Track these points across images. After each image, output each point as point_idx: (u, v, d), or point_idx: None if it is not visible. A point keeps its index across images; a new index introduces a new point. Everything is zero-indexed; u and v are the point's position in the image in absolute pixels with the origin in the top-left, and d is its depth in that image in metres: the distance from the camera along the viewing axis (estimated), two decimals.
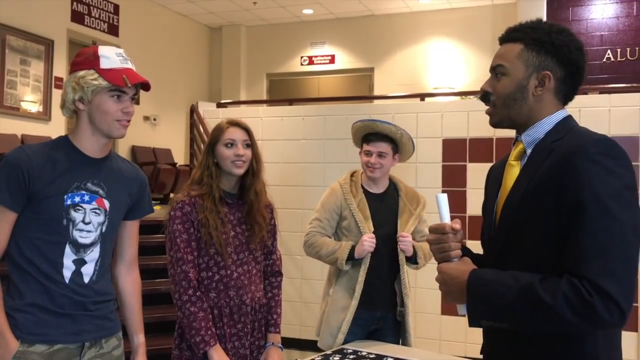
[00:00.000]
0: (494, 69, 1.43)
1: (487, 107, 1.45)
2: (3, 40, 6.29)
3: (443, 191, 4.70)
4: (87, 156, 1.79)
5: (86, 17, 7.46)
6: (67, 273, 1.74)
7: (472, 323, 1.29)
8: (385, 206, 2.81)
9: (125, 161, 1.96)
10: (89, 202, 1.77)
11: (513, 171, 1.40)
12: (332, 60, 9.53)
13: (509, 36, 1.43)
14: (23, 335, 1.68)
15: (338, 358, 2.34)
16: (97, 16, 7.65)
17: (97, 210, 1.79)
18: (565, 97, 1.41)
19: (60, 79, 7.05)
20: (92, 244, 1.78)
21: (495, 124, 1.45)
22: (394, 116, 4.84)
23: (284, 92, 9.53)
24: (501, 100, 1.40)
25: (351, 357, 2.36)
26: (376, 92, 8.95)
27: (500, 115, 1.42)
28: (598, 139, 1.27)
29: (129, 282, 1.98)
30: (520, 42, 1.39)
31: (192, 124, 6.28)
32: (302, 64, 9.68)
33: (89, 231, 1.77)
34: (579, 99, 1.42)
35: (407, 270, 2.79)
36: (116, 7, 7.95)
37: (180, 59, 9.14)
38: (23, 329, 1.69)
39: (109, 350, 1.84)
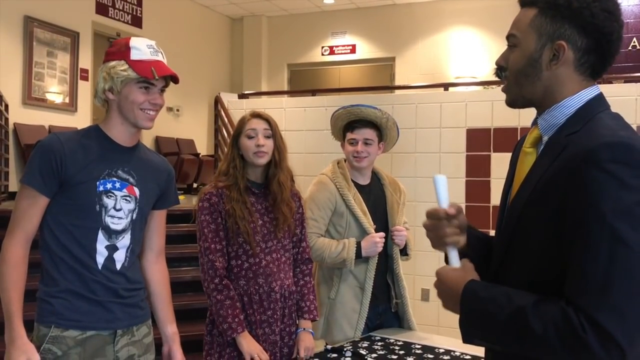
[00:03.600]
0: (507, 39, 1.22)
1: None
2: (31, 33, 6.39)
3: (467, 182, 4.71)
4: (118, 144, 1.84)
5: (110, 9, 7.55)
6: (100, 259, 1.78)
7: (466, 339, 1.16)
8: (373, 198, 2.70)
9: (153, 152, 2.01)
10: (120, 189, 1.81)
11: (527, 160, 1.22)
12: (353, 50, 9.51)
13: None
14: (58, 320, 1.72)
15: (366, 345, 2.38)
16: (121, 8, 7.72)
17: (128, 198, 1.83)
18: (592, 71, 1.17)
19: (86, 71, 7.15)
20: (123, 231, 1.82)
21: (509, 103, 1.26)
22: (417, 106, 4.85)
23: (305, 82, 9.54)
24: (513, 76, 1.20)
25: (379, 344, 2.39)
26: (397, 82, 8.93)
27: (513, 93, 1.23)
28: (612, 142, 1.03)
29: (158, 272, 2.00)
30: (534, 6, 1.18)
31: (216, 115, 6.34)
32: (322, 54, 9.68)
33: (120, 217, 1.81)
34: (603, 88, 1.24)
35: (400, 263, 2.70)
36: None
37: (202, 50, 9.20)
38: (58, 314, 1.72)
39: (140, 338, 1.87)
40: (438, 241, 1.26)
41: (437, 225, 1.24)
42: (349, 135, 2.64)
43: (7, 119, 5.94)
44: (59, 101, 6.79)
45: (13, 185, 6.11)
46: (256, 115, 2.28)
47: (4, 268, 1.69)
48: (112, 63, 1.77)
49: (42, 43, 6.56)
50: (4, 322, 1.66)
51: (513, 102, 1.25)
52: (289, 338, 2.28)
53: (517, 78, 1.20)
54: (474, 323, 1.13)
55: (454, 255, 1.24)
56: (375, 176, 2.79)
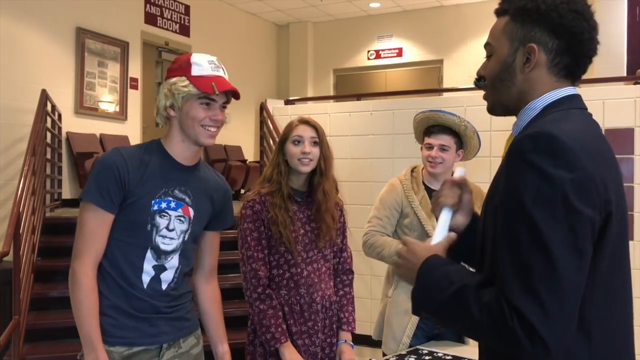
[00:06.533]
0: (485, 48, 1.25)
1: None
2: (82, 44, 6.56)
3: None
4: (178, 163, 1.80)
5: (159, 18, 7.68)
6: (146, 278, 1.75)
7: (415, 311, 1.18)
8: None
9: (213, 171, 1.97)
10: (174, 209, 1.77)
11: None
12: (399, 53, 9.39)
13: (499, 8, 1.24)
14: (104, 337, 1.70)
15: (414, 358, 2.28)
16: (169, 17, 7.85)
17: (182, 218, 1.79)
18: (567, 72, 1.17)
19: (135, 80, 7.29)
20: (173, 252, 1.79)
21: (488, 109, 1.27)
22: (466, 109, 4.70)
23: (351, 87, 9.47)
24: (490, 82, 1.22)
25: (427, 358, 2.29)
26: (445, 85, 8.76)
27: (491, 100, 1.24)
28: (534, 133, 1.04)
29: (209, 292, 1.98)
30: (506, 14, 1.20)
31: (261, 121, 6.35)
32: (368, 58, 9.60)
33: (171, 238, 1.77)
34: None
35: None
36: (187, 8, 8.14)
37: (249, 57, 9.26)
38: (104, 332, 1.70)
39: (187, 350, 1.85)
40: (434, 200, 1.32)
41: (441, 188, 1.31)
42: (426, 140, 2.63)
43: (60, 128, 6.11)
44: (110, 110, 6.94)
45: (66, 192, 6.27)
46: (304, 121, 2.22)
47: (80, 293, 1.66)
48: (174, 79, 1.75)
49: (93, 53, 6.72)
50: (85, 348, 1.66)
51: (492, 108, 1.26)
52: (329, 349, 2.22)
53: (494, 84, 1.22)
54: (425, 295, 1.14)
55: (440, 226, 1.28)
56: None
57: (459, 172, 1.30)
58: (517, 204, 1.01)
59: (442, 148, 2.58)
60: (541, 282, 0.97)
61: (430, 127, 2.61)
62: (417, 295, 1.16)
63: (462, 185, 1.30)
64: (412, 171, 2.73)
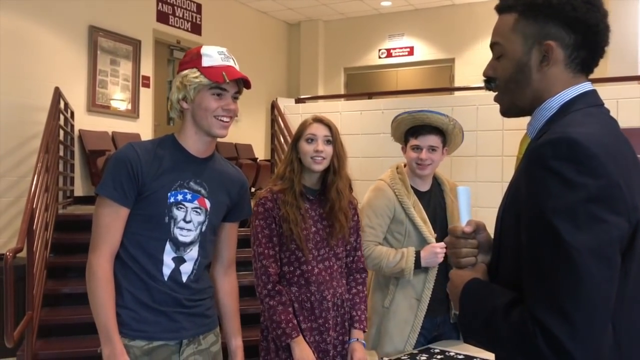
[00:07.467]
0: (492, 48, 1.19)
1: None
2: (95, 42, 6.59)
3: None
4: (192, 155, 1.82)
5: (170, 17, 7.70)
6: (167, 270, 1.76)
7: (465, 339, 1.16)
8: (433, 205, 2.57)
9: (228, 163, 1.98)
10: (190, 201, 1.79)
11: (517, 167, 1.18)
12: (410, 52, 9.37)
13: (502, 4, 1.17)
14: (125, 330, 1.72)
15: (425, 357, 2.27)
16: (180, 16, 7.87)
17: (198, 210, 1.80)
18: (583, 66, 1.12)
19: (147, 78, 7.31)
20: (191, 243, 1.80)
21: (502, 112, 1.21)
22: (478, 107, 4.69)
23: (362, 86, 9.46)
24: (503, 84, 1.17)
25: (439, 357, 2.28)
26: (457, 84, 8.72)
27: (505, 102, 1.19)
28: (555, 138, 0.98)
29: (227, 285, 2.00)
30: (513, 10, 1.14)
31: (272, 120, 6.36)
32: (380, 57, 9.58)
33: (189, 230, 1.79)
34: None
35: None
36: (199, 7, 8.16)
37: (260, 56, 9.27)
38: (125, 325, 1.72)
39: (207, 347, 1.86)
40: (454, 260, 1.21)
41: (454, 244, 1.20)
42: (413, 142, 2.50)
43: (72, 126, 6.14)
44: (122, 108, 6.97)
45: (78, 189, 6.31)
46: (318, 120, 2.23)
47: (97, 284, 1.69)
48: (185, 72, 1.77)
49: (106, 51, 6.76)
50: (102, 339, 1.68)
51: (506, 111, 1.21)
52: (342, 347, 2.22)
53: (508, 86, 1.17)
54: (468, 321, 1.10)
55: (464, 208, 1.21)
56: (436, 182, 2.65)
57: (462, 192, 1.21)
58: (539, 213, 0.96)
59: (431, 149, 2.48)
60: (567, 295, 0.93)
61: (416, 128, 2.49)
62: (461, 322, 1.12)
63: (474, 232, 1.21)
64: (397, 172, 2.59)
